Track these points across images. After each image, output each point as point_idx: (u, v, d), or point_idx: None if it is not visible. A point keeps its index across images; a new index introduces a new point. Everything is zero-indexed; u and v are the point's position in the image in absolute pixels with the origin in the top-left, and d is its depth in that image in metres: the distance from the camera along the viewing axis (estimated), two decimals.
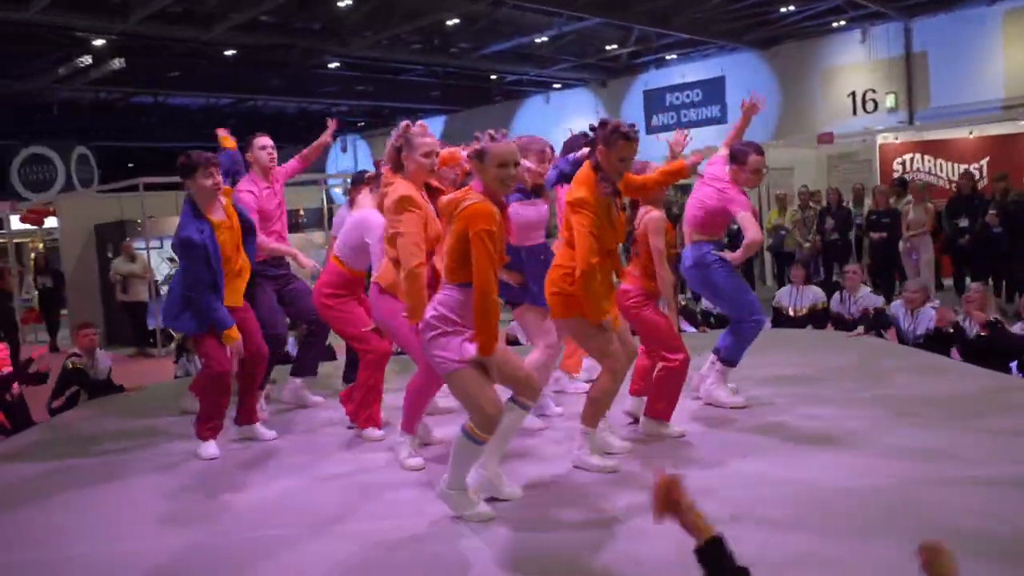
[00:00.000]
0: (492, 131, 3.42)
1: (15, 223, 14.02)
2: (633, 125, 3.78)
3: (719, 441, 4.29)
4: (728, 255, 4.73)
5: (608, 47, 18.82)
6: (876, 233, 10.51)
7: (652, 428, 4.40)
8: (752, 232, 4.63)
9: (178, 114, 21.52)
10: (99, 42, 14.26)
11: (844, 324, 7.52)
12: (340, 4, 14.16)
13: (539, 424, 4.64)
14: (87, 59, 14.45)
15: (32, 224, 13.79)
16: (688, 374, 4.47)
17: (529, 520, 3.35)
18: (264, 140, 5.37)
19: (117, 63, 14.63)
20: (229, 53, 16.18)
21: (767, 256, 13.05)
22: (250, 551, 3.25)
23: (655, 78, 20.78)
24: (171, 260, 11.98)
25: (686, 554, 1.94)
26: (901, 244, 10.28)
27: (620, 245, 3.95)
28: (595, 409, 3.88)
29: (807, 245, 11.19)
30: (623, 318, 4.13)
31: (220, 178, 4.42)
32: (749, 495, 3.45)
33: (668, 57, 19.84)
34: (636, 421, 4.55)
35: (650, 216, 4.30)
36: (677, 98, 20.13)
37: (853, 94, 17.45)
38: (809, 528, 3.10)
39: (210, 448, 4.56)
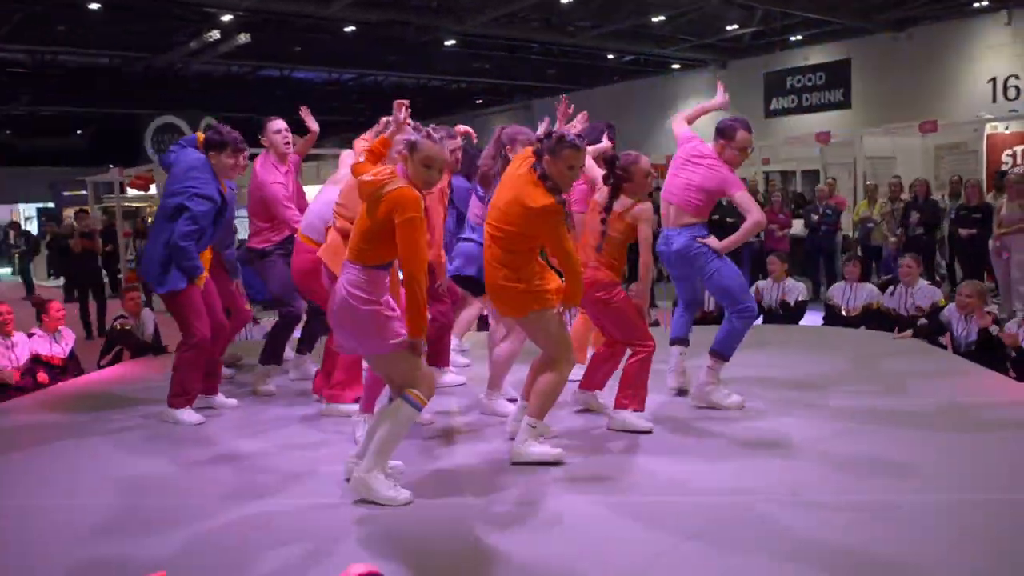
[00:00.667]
0: (432, 128, 3.43)
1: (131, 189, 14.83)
2: (580, 136, 3.75)
3: (665, 443, 4.16)
4: (714, 242, 4.56)
5: (729, 27, 18.27)
6: (965, 229, 9.86)
7: (625, 420, 4.27)
8: (754, 214, 4.45)
9: (303, 87, 22.25)
10: (227, 17, 14.85)
11: (901, 321, 7.03)
12: None
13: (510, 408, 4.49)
14: (215, 34, 15.11)
15: (139, 189, 14.50)
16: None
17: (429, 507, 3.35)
18: (279, 124, 5.32)
19: (243, 38, 15.22)
20: (348, 29, 16.57)
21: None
22: (188, 515, 3.31)
23: (777, 60, 20.03)
24: None
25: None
26: (991, 242, 9.58)
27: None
28: (543, 401, 3.83)
29: (892, 239, 10.62)
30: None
31: (244, 162, 4.75)
32: (660, 500, 3.40)
33: (792, 38, 19.08)
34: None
35: (642, 207, 4.22)
36: (798, 81, 19.35)
37: (994, 80, 16.33)
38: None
39: (189, 414, 4.68)
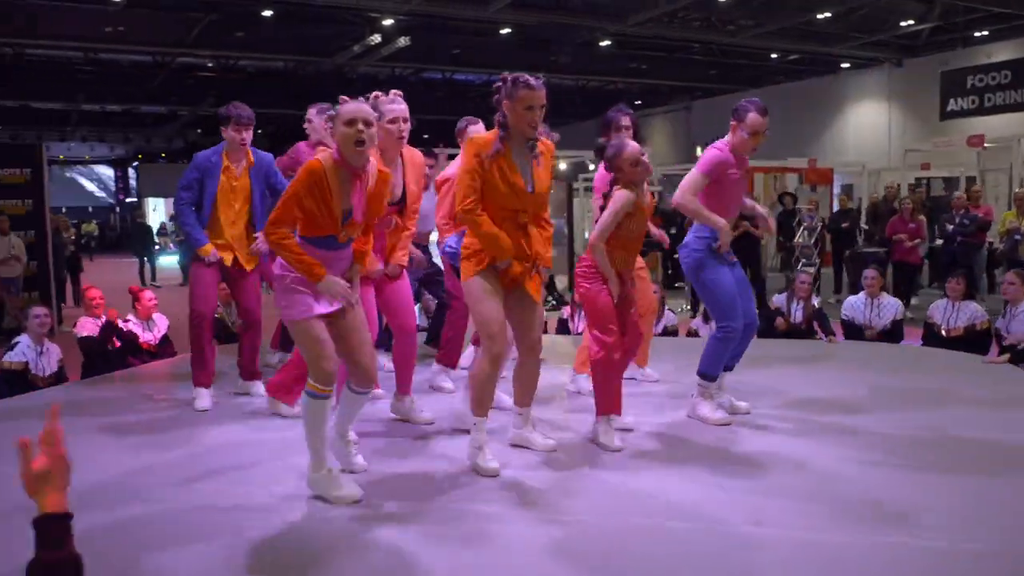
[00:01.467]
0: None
1: None
2: (538, 77, 3.54)
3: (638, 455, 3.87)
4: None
5: (904, 23, 17.20)
6: None
7: (600, 429, 4.01)
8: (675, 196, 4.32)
9: (464, 89, 22.79)
10: (388, 22, 15.42)
11: (1009, 346, 6.21)
12: None
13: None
14: (376, 38, 15.72)
15: None
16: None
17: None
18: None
19: (403, 41, 15.76)
20: (505, 31, 16.82)
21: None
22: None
23: (956, 58, 18.66)
24: None
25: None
26: None
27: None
28: (475, 395, 3.66)
29: None
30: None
31: (247, 135, 4.82)
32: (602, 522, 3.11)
33: (975, 34, 17.73)
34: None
35: (617, 193, 4.00)
36: (980, 80, 17.92)
37: None
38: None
39: (202, 399, 4.84)
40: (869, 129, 20.77)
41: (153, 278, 17.43)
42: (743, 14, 16.70)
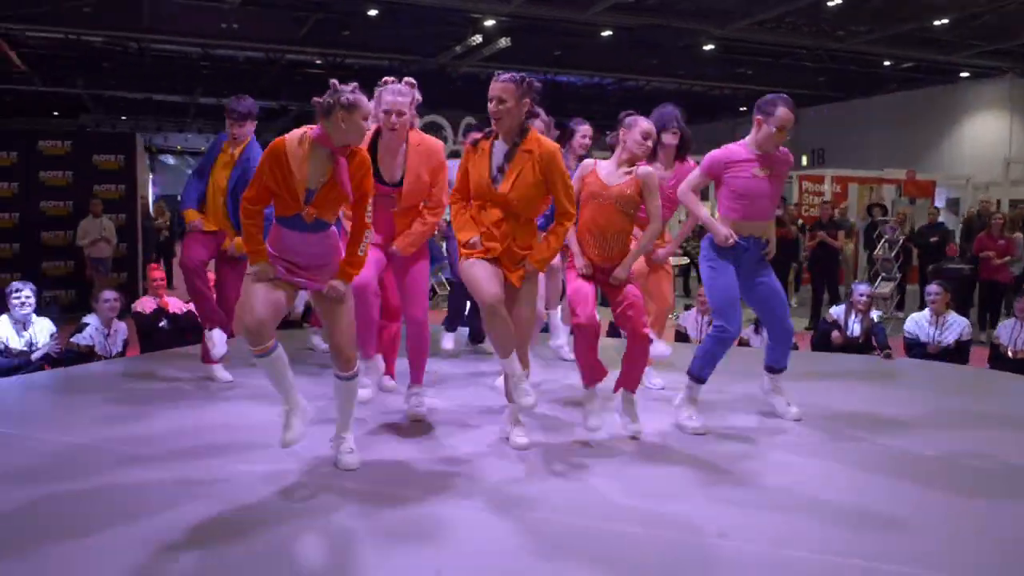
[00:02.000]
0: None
1: None
2: (499, 73, 3.81)
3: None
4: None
5: None
6: None
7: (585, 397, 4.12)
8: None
9: (566, 91, 22.76)
10: (489, 22, 15.54)
11: None
12: None
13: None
14: (477, 38, 15.87)
15: None
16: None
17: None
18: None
19: (503, 42, 15.86)
20: (606, 33, 16.72)
21: None
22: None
23: None
24: None
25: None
26: None
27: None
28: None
29: None
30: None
31: (239, 131, 5.05)
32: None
33: None
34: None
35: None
36: None
37: None
38: None
39: (218, 344, 5.16)
40: (986, 142, 19.76)
41: None
42: (854, 19, 16.12)
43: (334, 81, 3.45)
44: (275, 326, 3.49)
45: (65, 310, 6.75)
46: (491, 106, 3.71)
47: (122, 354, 6.32)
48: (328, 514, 3.15)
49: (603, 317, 4.26)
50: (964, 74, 20.04)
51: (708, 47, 17.74)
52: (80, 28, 16.80)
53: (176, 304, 6.93)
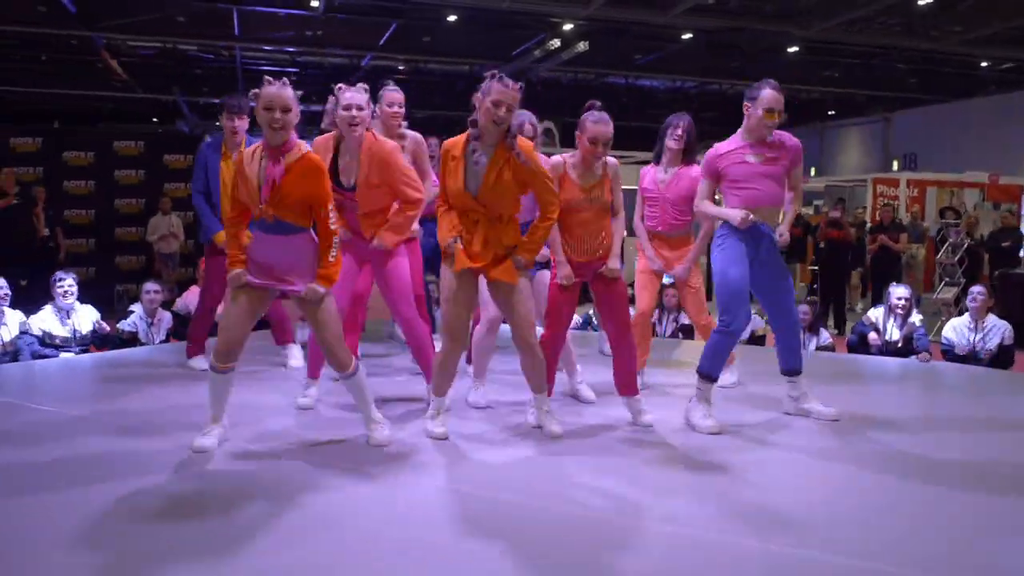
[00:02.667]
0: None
1: None
2: (520, 84, 3.70)
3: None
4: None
5: None
6: None
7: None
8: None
9: (648, 95, 22.58)
10: (568, 26, 15.55)
11: None
12: None
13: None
14: (556, 42, 15.88)
15: None
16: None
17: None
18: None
19: (582, 46, 15.82)
20: (686, 36, 16.53)
21: None
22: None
23: None
24: None
25: None
26: None
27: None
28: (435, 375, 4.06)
29: None
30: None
31: (239, 123, 5.09)
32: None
33: None
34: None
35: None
36: None
37: None
38: None
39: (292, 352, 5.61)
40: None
41: None
42: (948, 19, 15.52)
43: (267, 78, 3.57)
44: (244, 344, 3.70)
45: (136, 301, 7.05)
46: (500, 112, 3.66)
47: (165, 342, 6.57)
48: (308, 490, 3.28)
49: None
50: None
51: (792, 49, 17.34)
52: (175, 37, 17.52)
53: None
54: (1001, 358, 6.59)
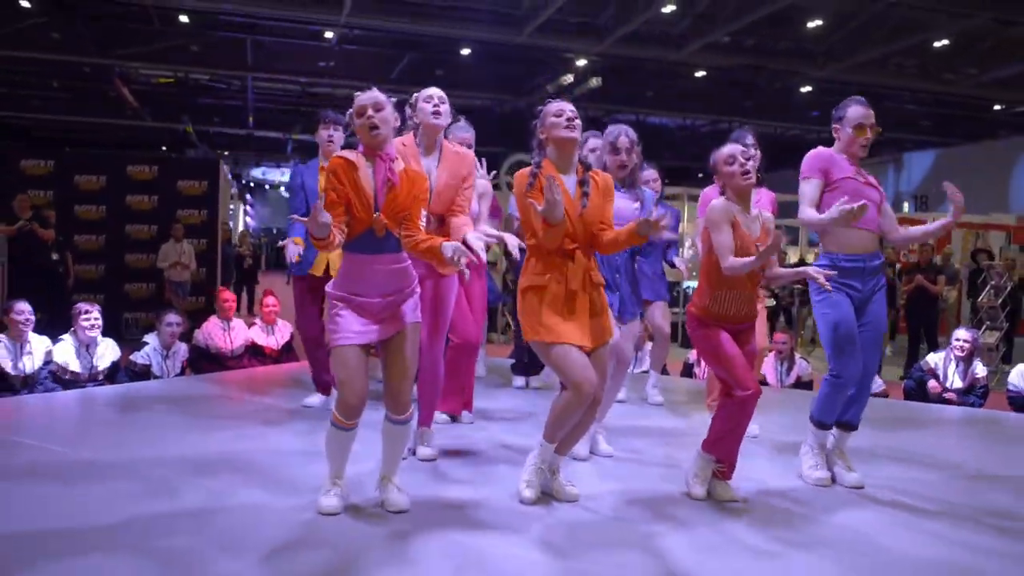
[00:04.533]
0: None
1: None
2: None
3: None
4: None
5: None
6: None
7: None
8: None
9: (658, 132, 22.59)
10: (581, 62, 15.55)
11: None
12: (810, 25, 13.60)
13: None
14: (569, 77, 15.88)
15: None
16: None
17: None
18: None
19: (595, 81, 15.84)
20: (700, 74, 16.51)
21: None
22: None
23: None
24: None
25: None
26: None
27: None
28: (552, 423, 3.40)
29: None
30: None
31: (332, 132, 4.87)
32: None
33: None
34: None
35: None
36: None
37: None
38: None
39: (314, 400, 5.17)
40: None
41: None
42: (963, 61, 15.51)
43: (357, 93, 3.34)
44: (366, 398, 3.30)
45: (145, 331, 6.82)
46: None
47: (180, 375, 6.36)
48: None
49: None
50: None
51: (805, 89, 17.33)
52: (187, 66, 17.57)
53: (256, 334, 7.00)
54: None
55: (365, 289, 3.18)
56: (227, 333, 6.87)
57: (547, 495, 3.50)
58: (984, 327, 9.51)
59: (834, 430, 3.91)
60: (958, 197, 3.62)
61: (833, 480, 3.85)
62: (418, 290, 3.32)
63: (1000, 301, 9.80)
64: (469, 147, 4.52)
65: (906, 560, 3.03)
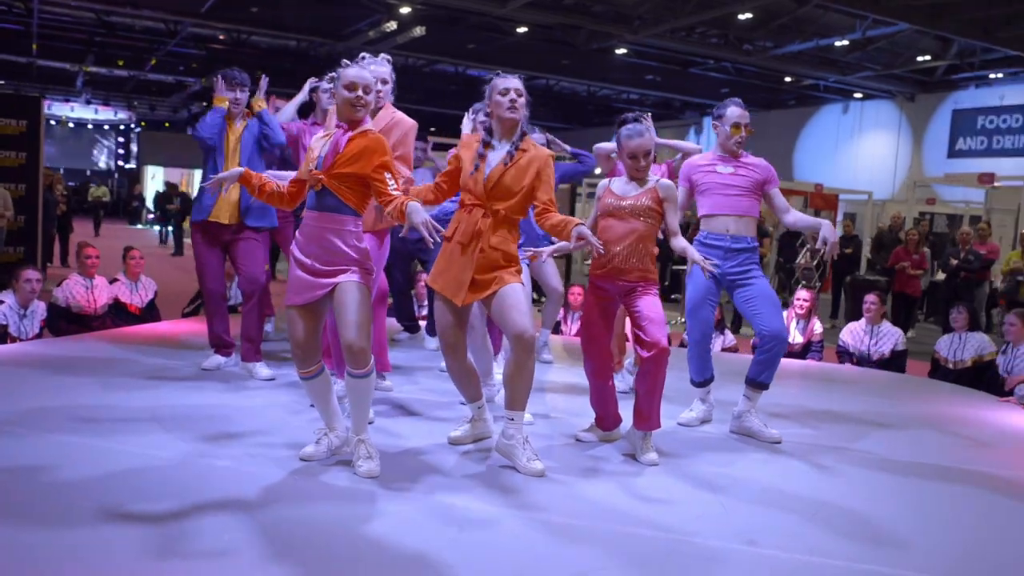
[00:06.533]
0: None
1: None
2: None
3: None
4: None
5: (921, 58, 17.16)
6: None
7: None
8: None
9: (477, 85, 22.62)
10: (405, 10, 15.28)
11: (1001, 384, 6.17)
12: None
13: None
14: (392, 25, 15.58)
15: None
16: None
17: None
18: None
19: (419, 31, 15.63)
20: (521, 30, 16.70)
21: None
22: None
23: (969, 97, 18.68)
24: None
25: None
26: None
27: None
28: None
29: None
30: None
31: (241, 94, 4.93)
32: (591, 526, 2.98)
33: (991, 76, 17.71)
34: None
35: None
36: (991, 122, 17.97)
37: None
38: None
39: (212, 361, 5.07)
40: (877, 160, 20.76)
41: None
42: (762, 35, 16.62)
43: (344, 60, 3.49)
44: (318, 348, 3.47)
45: None
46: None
47: (39, 336, 5.87)
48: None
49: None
50: (858, 95, 20.98)
51: (620, 51, 17.96)
52: None
53: (120, 290, 6.58)
54: (895, 362, 6.98)
55: (308, 249, 3.40)
56: (90, 292, 6.36)
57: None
58: (799, 287, 10.41)
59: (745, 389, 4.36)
60: None
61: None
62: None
63: (815, 263, 10.75)
64: (384, 82, 4.43)
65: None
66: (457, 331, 3.61)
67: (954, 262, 10.30)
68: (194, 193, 24.99)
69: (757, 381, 4.28)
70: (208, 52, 20.82)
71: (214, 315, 4.99)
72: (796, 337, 7.09)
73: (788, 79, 20.14)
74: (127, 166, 36.53)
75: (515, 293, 3.48)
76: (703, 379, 4.46)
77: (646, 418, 3.77)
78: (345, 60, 3.50)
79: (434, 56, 19.96)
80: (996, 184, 12.24)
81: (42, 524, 2.71)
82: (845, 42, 16.04)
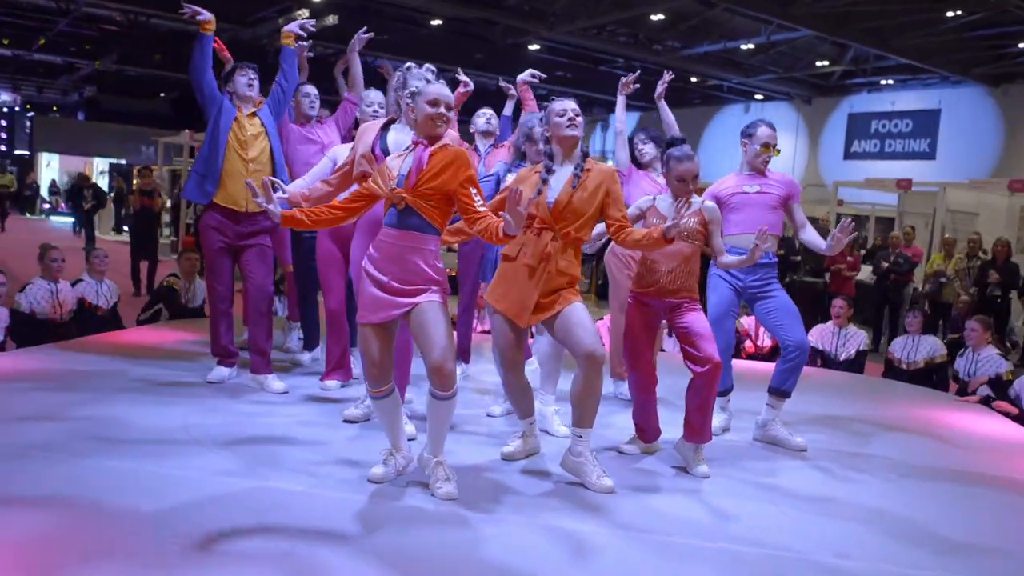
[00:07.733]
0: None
1: None
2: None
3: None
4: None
5: (819, 63, 17.91)
6: None
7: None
8: None
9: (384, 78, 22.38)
10: None
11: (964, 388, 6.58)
12: None
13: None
14: (304, 12, 15.20)
15: None
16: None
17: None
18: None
19: (331, 19, 15.33)
20: (436, 22, 16.60)
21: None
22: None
23: (863, 102, 19.62)
24: None
25: None
26: None
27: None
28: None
29: (964, 298, 10.01)
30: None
31: (251, 77, 4.82)
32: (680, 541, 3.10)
33: (882, 82, 18.63)
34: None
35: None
36: (883, 126, 18.94)
37: None
38: None
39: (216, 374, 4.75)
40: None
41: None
42: (671, 35, 17.01)
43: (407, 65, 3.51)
44: (392, 367, 3.38)
45: None
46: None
47: (2, 345, 5.46)
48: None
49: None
50: (759, 96, 21.73)
51: (534, 47, 18.06)
52: None
53: (86, 290, 6.23)
54: (857, 362, 7.27)
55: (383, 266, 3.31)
56: (55, 296, 5.92)
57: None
58: None
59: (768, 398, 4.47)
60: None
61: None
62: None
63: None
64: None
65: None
66: (517, 351, 3.65)
67: (885, 264, 10.65)
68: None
69: (781, 390, 4.39)
70: (101, 33, 19.88)
71: (220, 322, 4.64)
72: (766, 341, 7.36)
73: (694, 79, 20.68)
74: (16, 152, 34.49)
75: (579, 312, 3.50)
76: (724, 388, 4.49)
77: (698, 431, 3.85)
78: (411, 67, 3.74)
79: (346, 46, 19.61)
80: (914, 188, 12.88)
81: (142, 566, 2.52)
82: (751, 46, 16.59)
